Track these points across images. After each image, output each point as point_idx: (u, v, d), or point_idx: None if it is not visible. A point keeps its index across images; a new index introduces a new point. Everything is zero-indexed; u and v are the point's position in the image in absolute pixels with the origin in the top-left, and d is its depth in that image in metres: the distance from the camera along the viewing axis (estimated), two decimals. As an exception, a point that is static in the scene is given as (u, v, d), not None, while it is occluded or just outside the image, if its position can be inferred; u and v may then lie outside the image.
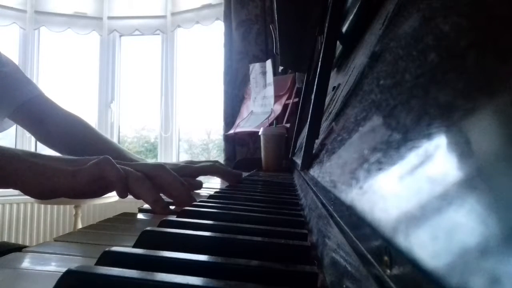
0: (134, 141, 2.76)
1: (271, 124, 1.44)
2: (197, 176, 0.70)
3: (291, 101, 1.46)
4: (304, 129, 0.72)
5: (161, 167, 0.47)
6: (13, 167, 0.40)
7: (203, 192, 0.66)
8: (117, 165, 0.42)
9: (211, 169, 0.71)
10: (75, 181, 0.40)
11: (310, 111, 0.40)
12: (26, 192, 0.40)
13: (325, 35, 0.44)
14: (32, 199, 1.99)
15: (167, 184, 0.46)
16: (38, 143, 0.87)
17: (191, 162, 0.73)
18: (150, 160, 2.60)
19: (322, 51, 0.41)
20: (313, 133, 0.40)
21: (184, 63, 2.53)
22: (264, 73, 1.64)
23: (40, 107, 0.81)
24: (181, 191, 0.47)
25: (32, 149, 2.40)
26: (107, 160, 0.41)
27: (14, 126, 0.84)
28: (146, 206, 0.47)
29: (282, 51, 1.06)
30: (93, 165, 0.41)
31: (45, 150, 0.86)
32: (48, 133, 0.82)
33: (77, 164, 0.42)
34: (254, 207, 0.43)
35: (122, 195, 0.42)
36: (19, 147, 2.40)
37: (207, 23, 2.33)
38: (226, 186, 0.70)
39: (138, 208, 0.49)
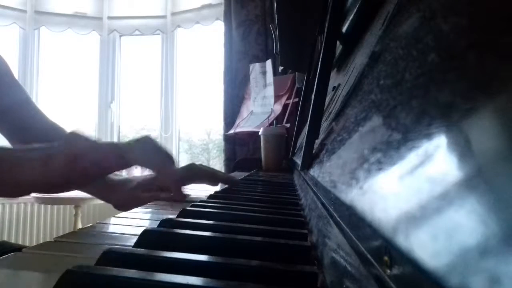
0: (134, 141, 2.76)
1: (271, 124, 1.44)
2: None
3: (291, 101, 1.46)
4: (304, 129, 0.72)
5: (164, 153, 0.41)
6: None
7: (202, 193, 0.66)
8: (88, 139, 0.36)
9: (194, 174, 0.56)
10: (46, 170, 0.34)
11: (310, 111, 0.40)
12: None
13: (325, 35, 0.44)
14: (32, 199, 1.99)
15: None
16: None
17: None
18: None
19: (322, 51, 0.41)
20: (313, 133, 0.40)
21: (184, 63, 2.53)
22: (264, 73, 1.64)
23: (24, 114, 0.75)
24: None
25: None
26: (74, 137, 0.35)
27: None
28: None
29: (282, 51, 1.06)
30: (60, 148, 0.35)
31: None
32: (26, 143, 0.78)
33: (49, 150, 0.36)
34: (254, 207, 0.43)
35: (111, 160, 0.35)
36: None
37: (207, 23, 2.33)
38: (227, 186, 0.70)
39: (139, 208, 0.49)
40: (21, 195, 0.36)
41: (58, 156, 0.34)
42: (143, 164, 0.39)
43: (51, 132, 0.78)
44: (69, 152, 0.34)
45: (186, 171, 0.55)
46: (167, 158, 0.41)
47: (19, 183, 0.35)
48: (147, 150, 0.39)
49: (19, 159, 0.35)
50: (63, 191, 0.39)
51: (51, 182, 0.35)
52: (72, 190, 0.40)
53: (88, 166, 0.35)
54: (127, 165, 0.39)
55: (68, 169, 0.35)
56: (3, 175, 0.34)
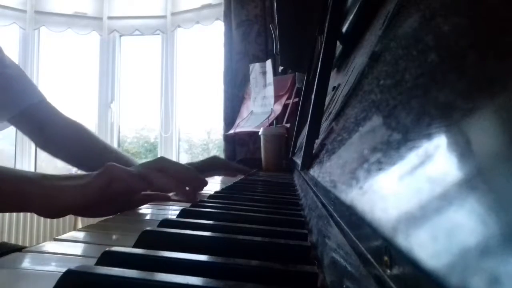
0: (134, 141, 2.76)
1: (271, 124, 1.44)
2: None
3: (291, 101, 1.46)
4: (304, 129, 0.72)
5: (164, 160, 0.50)
6: (24, 191, 0.40)
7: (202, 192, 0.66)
8: (124, 167, 0.43)
9: (213, 166, 0.71)
10: (84, 193, 0.40)
11: (310, 111, 0.40)
12: (39, 214, 0.41)
13: (325, 35, 0.44)
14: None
15: (177, 173, 0.49)
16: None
17: (190, 164, 0.72)
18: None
19: (322, 51, 0.41)
20: (313, 133, 0.40)
21: (184, 63, 2.53)
22: (264, 73, 1.64)
23: (41, 114, 0.79)
24: (191, 176, 0.50)
25: (32, 152, 2.41)
26: (112, 165, 0.42)
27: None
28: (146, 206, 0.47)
29: (282, 51, 1.06)
30: (99, 173, 0.41)
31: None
32: (47, 141, 0.80)
33: (86, 178, 0.42)
34: (254, 207, 0.43)
35: (139, 186, 0.43)
36: (19, 147, 2.41)
37: (207, 23, 2.33)
38: (227, 186, 0.70)
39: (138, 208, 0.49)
40: (60, 217, 0.42)
41: (96, 179, 0.41)
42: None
43: (71, 128, 0.80)
44: (105, 176, 0.41)
45: (206, 164, 0.70)
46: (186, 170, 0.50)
47: (61, 207, 0.40)
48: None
49: (63, 187, 0.41)
50: (95, 214, 0.44)
51: (88, 203, 0.41)
52: (103, 214, 0.45)
53: (119, 190, 0.42)
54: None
55: (102, 191, 0.41)
56: (54, 202, 0.40)
